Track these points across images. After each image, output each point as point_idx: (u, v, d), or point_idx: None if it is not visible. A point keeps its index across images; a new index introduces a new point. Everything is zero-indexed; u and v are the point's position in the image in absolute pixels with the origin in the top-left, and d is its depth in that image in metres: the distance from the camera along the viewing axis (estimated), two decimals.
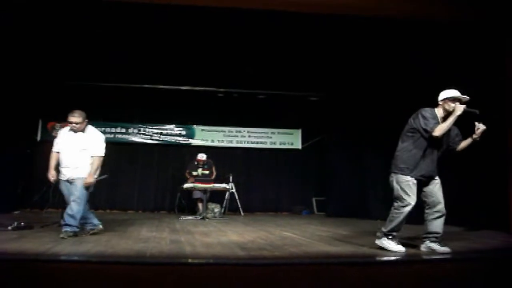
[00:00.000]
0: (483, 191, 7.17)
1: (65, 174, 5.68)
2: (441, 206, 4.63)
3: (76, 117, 5.68)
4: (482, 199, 7.19)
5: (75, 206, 5.51)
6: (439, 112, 4.74)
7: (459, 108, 4.57)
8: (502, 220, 6.58)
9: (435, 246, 4.58)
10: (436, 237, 4.60)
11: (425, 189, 4.71)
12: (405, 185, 4.68)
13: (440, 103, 4.75)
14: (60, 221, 5.84)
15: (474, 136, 4.71)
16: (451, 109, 4.62)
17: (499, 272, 3.59)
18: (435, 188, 4.69)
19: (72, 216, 5.46)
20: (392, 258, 4.41)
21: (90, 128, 5.92)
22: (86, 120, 5.82)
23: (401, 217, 4.65)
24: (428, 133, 4.62)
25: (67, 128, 5.85)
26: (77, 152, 5.69)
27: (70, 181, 5.66)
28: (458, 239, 5.71)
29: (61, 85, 10.83)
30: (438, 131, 4.58)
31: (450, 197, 7.20)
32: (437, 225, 4.60)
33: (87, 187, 5.65)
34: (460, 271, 3.59)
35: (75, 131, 5.74)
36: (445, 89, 4.76)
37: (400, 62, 8.58)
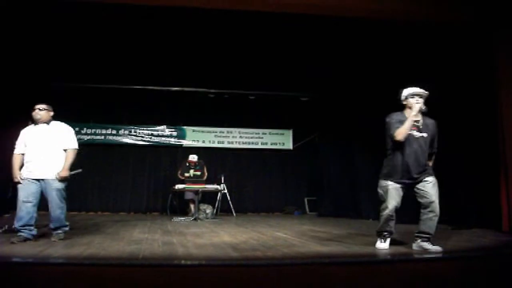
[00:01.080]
0: (475, 190, 7.23)
1: (35, 173, 5.28)
2: (434, 206, 4.60)
3: (41, 104, 5.52)
4: (473, 198, 7.25)
5: (59, 209, 5.32)
6: (407, 112, 4.80)
7: (415, 108, 4.68)
8: (493, 219, 6.63)
9: (427, 245, 4.60)
10: (427, 237, 4.62)
11: (418, 189, 4.71)
12: (384, 190, 4.81)
13: (404, 103, 4.84)
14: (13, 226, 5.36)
15: None
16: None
17: (490, 270, 3.62)
18: (427, 188, 4.66)
19: (58, 219, 5.33)
20: (383, 257, 4.44)
21: (56, 122, 5.63)
22: (52, 113, 5.60)
23: (383, 218, 4.80)
24: (392, 138, 4.70)
25: (29, 127, 5.60)
26: (47, 148, 5.38)
27: (42, 182, 5.29)
28: (449, 238, 5.75)
29: (51, 87, 10.76)
30: (399, 135, 4.64)
31: (441, 196, 7.25)
32: (429, 226, 4.60)
33: (65, 186, 5.43)
34: (451, 270, 3.62)
35: (38, 121, 5.48)
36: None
37: (392, 63, 8.62)
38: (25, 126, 5.71)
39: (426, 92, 4.77)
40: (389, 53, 8.42)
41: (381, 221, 4.83)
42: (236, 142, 13.00)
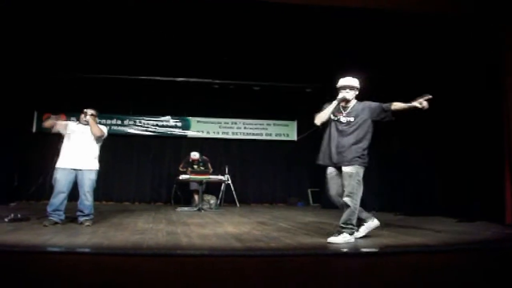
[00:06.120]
0: (478, 183, 7.20)
1: (74, 163, 6.01)
2: (344, 198, 4.76)
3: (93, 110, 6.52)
4: (477, 191, 7.22)
5: (90, 196, 6.21)
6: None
7: (338, 97, 5.04)
8: (497, 212, 6.60)
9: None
10: (338, 227, 4.73)
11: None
12: (326, 176, 5.01)
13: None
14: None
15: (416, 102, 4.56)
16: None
17: (491, 263, 3.63)
18: (343, 180, 4.84)
19: (90, 206, 6.17)
20: (385, 250, 4.44)
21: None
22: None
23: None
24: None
25: (75, 123, 6.54)
26: (88, 143, 6.24)
27: (79, 171, 6.05)
28: (452, 230, 5.75)
29: (56, 77, 10.79)
30: (316, 119, 5.05)
31: (445, 188, 7.23)
32: (342, 216, 4.75)
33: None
34: (453, 262, 3.63)
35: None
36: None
37: (395, 54, 8.60)
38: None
39: (353, 84, 5.05)
40: (393, 44, 8.39)
41: None
42: (240, 133, 13.02)
